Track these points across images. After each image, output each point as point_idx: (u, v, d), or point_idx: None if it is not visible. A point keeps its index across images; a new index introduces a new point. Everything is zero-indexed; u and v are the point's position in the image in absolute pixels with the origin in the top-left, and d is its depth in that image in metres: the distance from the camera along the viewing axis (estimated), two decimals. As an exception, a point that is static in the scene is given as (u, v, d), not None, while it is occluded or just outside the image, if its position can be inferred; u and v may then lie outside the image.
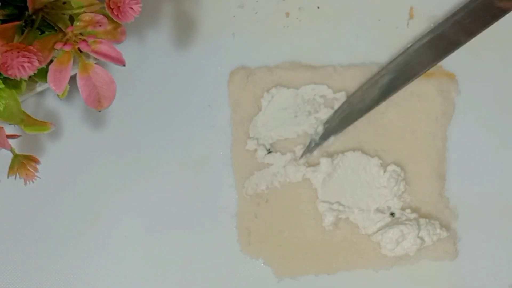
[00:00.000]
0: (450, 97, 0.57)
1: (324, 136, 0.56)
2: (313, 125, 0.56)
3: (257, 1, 0.58)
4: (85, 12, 0.42)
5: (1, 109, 0.44)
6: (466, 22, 0.56)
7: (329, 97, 0.57)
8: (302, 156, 0.56)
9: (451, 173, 0.57)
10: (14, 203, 0.56)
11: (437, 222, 0.55)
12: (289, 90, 0.57)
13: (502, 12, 0.56)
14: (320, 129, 0.56)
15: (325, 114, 0.56)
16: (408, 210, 0.56)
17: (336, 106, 0.56)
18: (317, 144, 0.56)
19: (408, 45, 0.57)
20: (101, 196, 0.56)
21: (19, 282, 0.56)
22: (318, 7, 0.58)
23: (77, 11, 0.42)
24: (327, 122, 0.56)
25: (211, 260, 0.56)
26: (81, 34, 0.42)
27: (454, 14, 0.56)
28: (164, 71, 0.57)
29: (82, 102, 0.45)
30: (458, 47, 0.56)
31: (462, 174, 0.57)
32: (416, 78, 0.56)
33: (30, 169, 0.46)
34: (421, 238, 0.55)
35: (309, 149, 0.56)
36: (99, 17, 0.42)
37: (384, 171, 0.55)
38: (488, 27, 0.56)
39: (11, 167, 0.46)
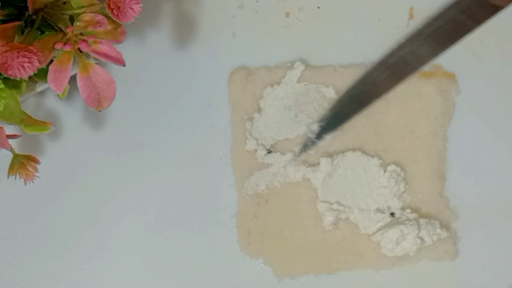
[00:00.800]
0: (450, 97, 0.57)
1: (320, 135, 0.56)
2: (309, 125, 0.56)
3: (257, 1, 0.58)
4: (85, 12, 0.42)
5: (1, 109, 0.44)
6: (461, 18, 0.55)
7: (329, 97, 0.57)
8: (299, 155, 0.56)
9: (451, 173, 0.57)
10: (14, 203, 0.56)
11: (437, 222, 0.55)
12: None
13: (496, 10, 0.54)
14: (316, 128, 0.56)
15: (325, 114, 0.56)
16: (408, 210, 0.56)
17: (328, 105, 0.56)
18: (314, 143, 0.56)
19: (402, 41, 0.56)
20: (101, 196, 0.56)
21: (19, 282, 0.56)
22: (318, 7, 0.58)
23: (77, 11, 0.42)
24: (322, 120, 0.56)
25: (211, 260, 0.56)
26: (81, 34, 0.42)
27: (448, 10, 0.55)
28: (164, 71, 0.57)
29: (82, 102, 0.45)
30: (455, 44, 0.55)
31: (462, 174, 0.57)
32: (411, 75, 0.55)
33: (30, 169, 0.46)
34: (421, 238, 0.54)
35: (305, 148, 0.56)
36: (99, 17, 0.42)
37: (384, 171, 0.55)
38: (483, 24, 0.55)
39: (11, 167, 0.46)
